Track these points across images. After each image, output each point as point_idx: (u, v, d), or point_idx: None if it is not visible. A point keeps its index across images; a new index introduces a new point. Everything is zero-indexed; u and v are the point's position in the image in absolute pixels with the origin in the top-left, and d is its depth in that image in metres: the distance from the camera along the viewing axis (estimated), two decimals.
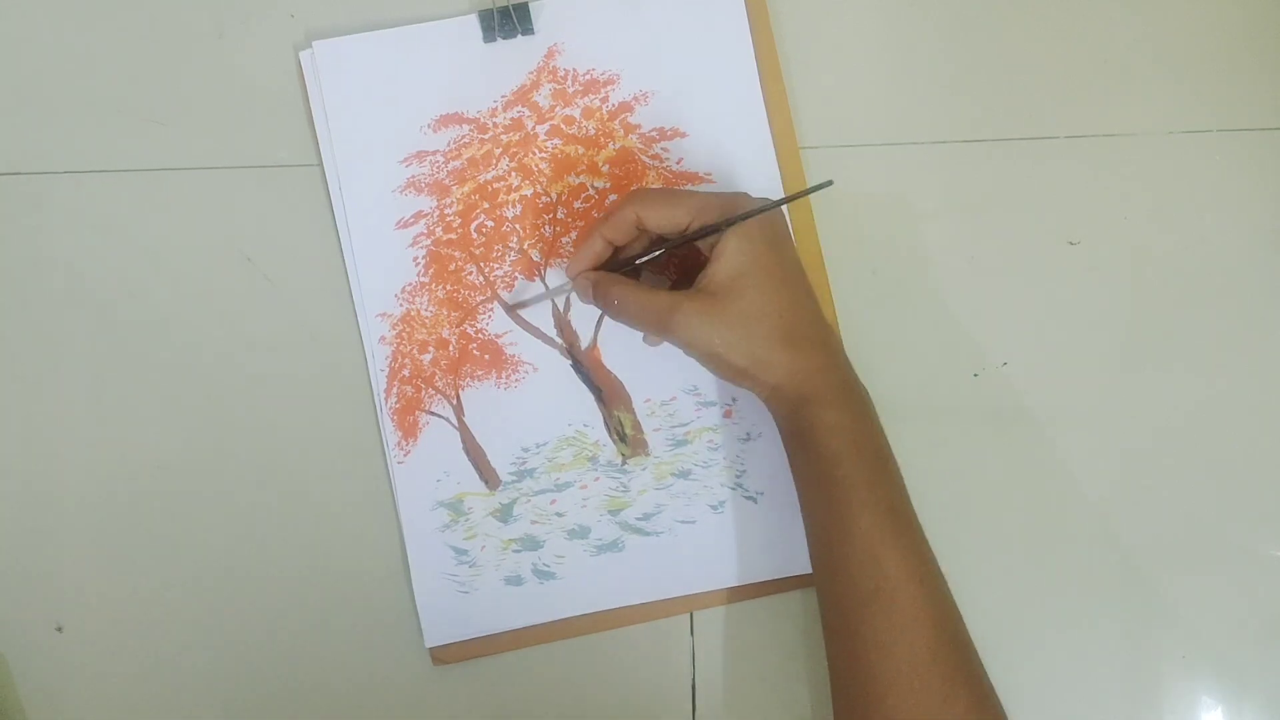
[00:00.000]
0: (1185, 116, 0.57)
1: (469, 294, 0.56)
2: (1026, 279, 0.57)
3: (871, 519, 0.46)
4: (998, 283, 0.57)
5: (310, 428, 0.55)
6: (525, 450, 0.55)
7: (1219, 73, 0.58)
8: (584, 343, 0.56)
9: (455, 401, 0.55)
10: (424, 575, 0.54)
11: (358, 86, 0.56)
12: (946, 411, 0.56)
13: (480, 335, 0.55)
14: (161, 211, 0.56)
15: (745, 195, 0.50)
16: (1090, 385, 0.56)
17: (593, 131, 0.56)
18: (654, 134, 0.56)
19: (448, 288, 0.56)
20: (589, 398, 0.55)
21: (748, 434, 0.55)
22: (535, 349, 0.55)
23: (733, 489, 0.55)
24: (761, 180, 0.56)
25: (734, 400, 0.55)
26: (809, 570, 0.54)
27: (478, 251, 0.56)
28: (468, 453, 0.55)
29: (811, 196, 0.56)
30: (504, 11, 0.56)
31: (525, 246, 0.56)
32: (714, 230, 0.48)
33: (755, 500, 0.55)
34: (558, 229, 0.56)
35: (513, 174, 0.56)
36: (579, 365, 0.55)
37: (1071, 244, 0.57)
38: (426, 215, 0.56)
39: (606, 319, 0.55)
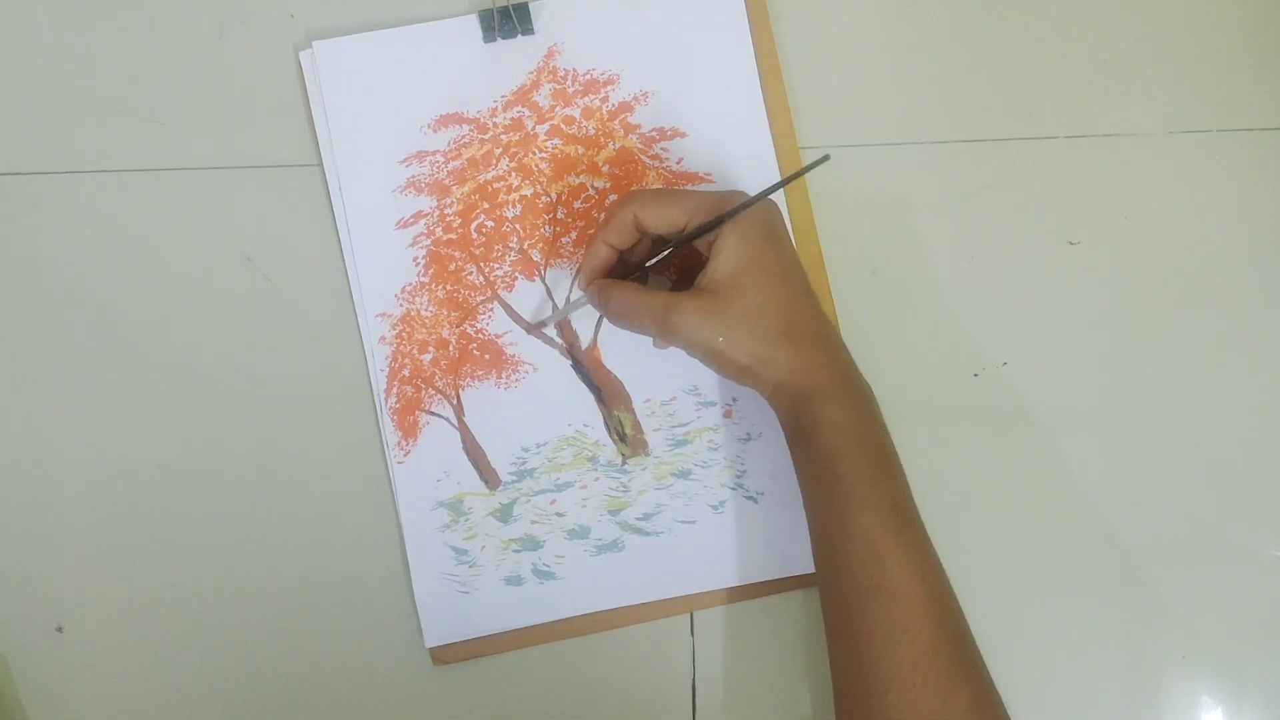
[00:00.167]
0: (1185, 116, 0.57)
1: (469, 294, 0.56)
2: (1026, 279, 0.57)
3: (874, 516, 0.46)
4: (998, 283, 0.57)
5: (310, 428, 0.55)
6: (525, 450, 0.55)
7: (1219, 73, 0.58)
8: (584, 343, 0.56)
9: (455, 401, 0.55)
10: (424, 575, 0.54)
11: (358, 86, 0.56)
12: (946, 411, 0.56)
13: (480, 335, 0.55)
14: (161, 211, 0.56)
15: (742, 193, 0.50)
16: (1090, 385, 0.56)
17: (593, 131, 0.56)
18: (654, 134, 0.56)
19: (448, 288, 0.56)
20: (589, 398, 0.55)
21: (748, 434, 0.55)
22: (535, 349, 0.55)
23: (733, 489, 0.55)
24: (761, 180, 0.56)
25: (734, 400, 0.55)
26: (809, 570, 0.54)
27: (478, 251, 0.56)
28: (468, 453, 0.55)
29: (812, 196, 0.56)
30: (504, 11, 0.56)
31: (525, 246, 0.56)
32: (715, 225, 0.48)
33: (755, 500, 0.55)
34: (558, 229, 0.56)
35: (513, 174, 0.56)
36: (579, 365, 0.55)
37: (1071, 244, 0.57)
38: (426, 215, 0.56)
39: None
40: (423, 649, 0.54)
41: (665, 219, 0.49)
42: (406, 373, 0.55)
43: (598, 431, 0.55)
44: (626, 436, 0.55)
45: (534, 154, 0.56)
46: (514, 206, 0.56)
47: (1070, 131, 0.57)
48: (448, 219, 0.56)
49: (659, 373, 0.55)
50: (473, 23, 0.56)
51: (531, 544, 0.55)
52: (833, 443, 0.47)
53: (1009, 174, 0.57)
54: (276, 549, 0.55)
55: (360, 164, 0.56)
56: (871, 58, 0.58)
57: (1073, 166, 0.57)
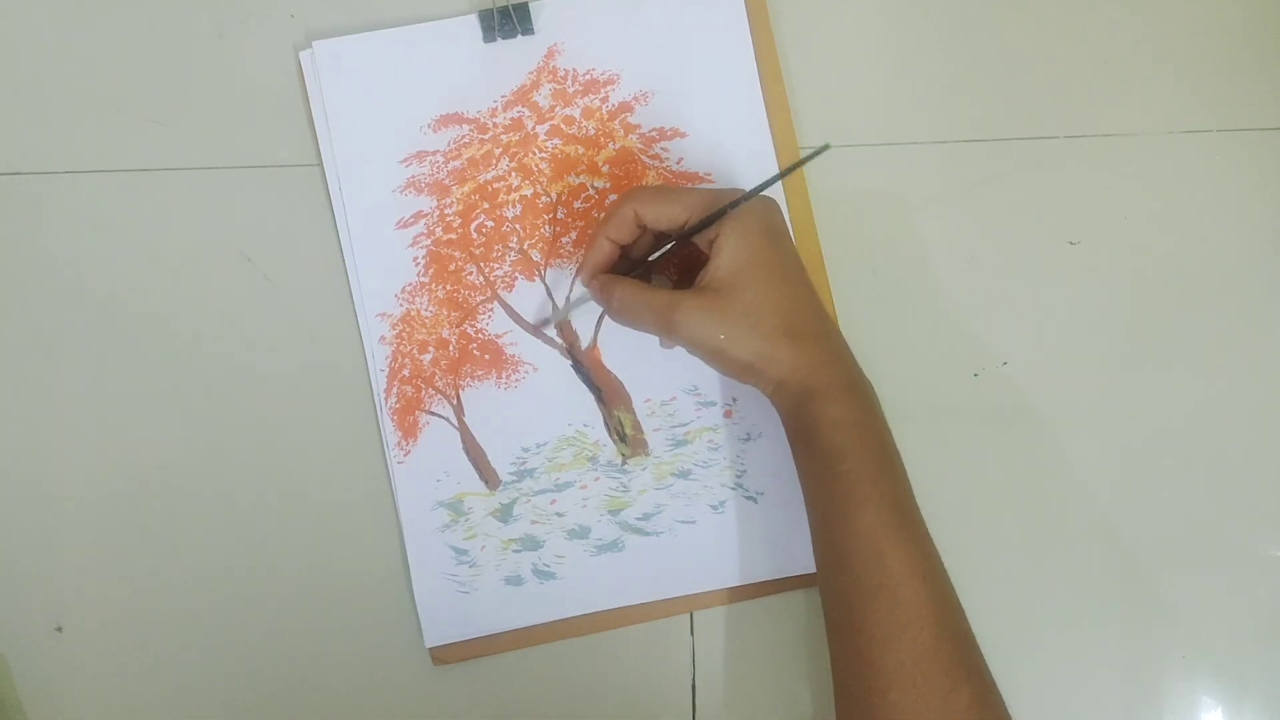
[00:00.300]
0: (1185, 116, 0.57)
1: (469, 294, 0.56)
2: (1026, 279, 0.57)
3: (875, 514, 0.46)
4: (998, 283, 0.57)
5: (310, 428, 0.55)
6: (525, 450, 0.55)
7: (1219, 73, 0.58)
8: (584, 343, 0.56)
9: (455, 401, 0.55)
10: (424, 575, 0.54)
11: (358, 86, 0.56)
12: (946, 411, 0.56)
13: (480, 335, 0.55)
14: (161, 211, 0.56)
15: (742, 191, 0.50)
16: (1090, 385, 0.56)
17: (593, 131, 0.56)
18: (654, 134, 0.56)
19: (448, 288, 0.56)
20: (589, 398, 0.55)
21: (748, 434, 0.55)
22: (535, 349, 0.55)
23: (733, 489, 0.55)
24: (761, 180, 0.56)
25: (734, 400, 0.55)
26: (809, 570, 0.54)
27: (478, 251, 0.56)
28: (468, 453, 0.55)
29: (812, 196, 0.56)
30: (504, 11, 0.56)
31: (525, 246, 0.56)
32: (717, 217, 0.48)
33: (755, 500, 0.55)
34: (558, 229, 0.56)
35: (513, 174, 0.56)
36: (579, 365, 0.55)
37: (1071, 244, 0.57)
38: (426, 215, 0.56)
39: (607, 318, 0.55)
40: (423, 649, 0.54)
41: (666, 215, 0.49)
42: (406, 373, 0.55)
43: (598, 431, 0.55)
44: (626, 436, 0.55)
45: (534, 154, 0.56)
46: (514, 206, 0.56)
47: (1070, 131, 0.57)
48: (448, 219, 0.56)
49: (659, 373, 0.55)
50: (473, 23, 0.56)
51: (531, 544, 0.55)
52: (835, 441, 0.47)
53: (1009, 174, 0.57)
54: (276, 549, 0.55)
55: (360, 164, 0.56)
56: (871, 58, 0.58)
57: (1073, 166, 0.57)
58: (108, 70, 0.57)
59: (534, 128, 0.56)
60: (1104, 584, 0.55)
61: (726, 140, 0.56)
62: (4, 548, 0.54)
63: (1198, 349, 0.56)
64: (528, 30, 0.56)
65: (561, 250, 0.56)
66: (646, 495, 0.55)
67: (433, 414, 0.55)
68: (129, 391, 0.55)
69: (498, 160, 0.56)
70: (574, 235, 0.56)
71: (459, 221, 0.56)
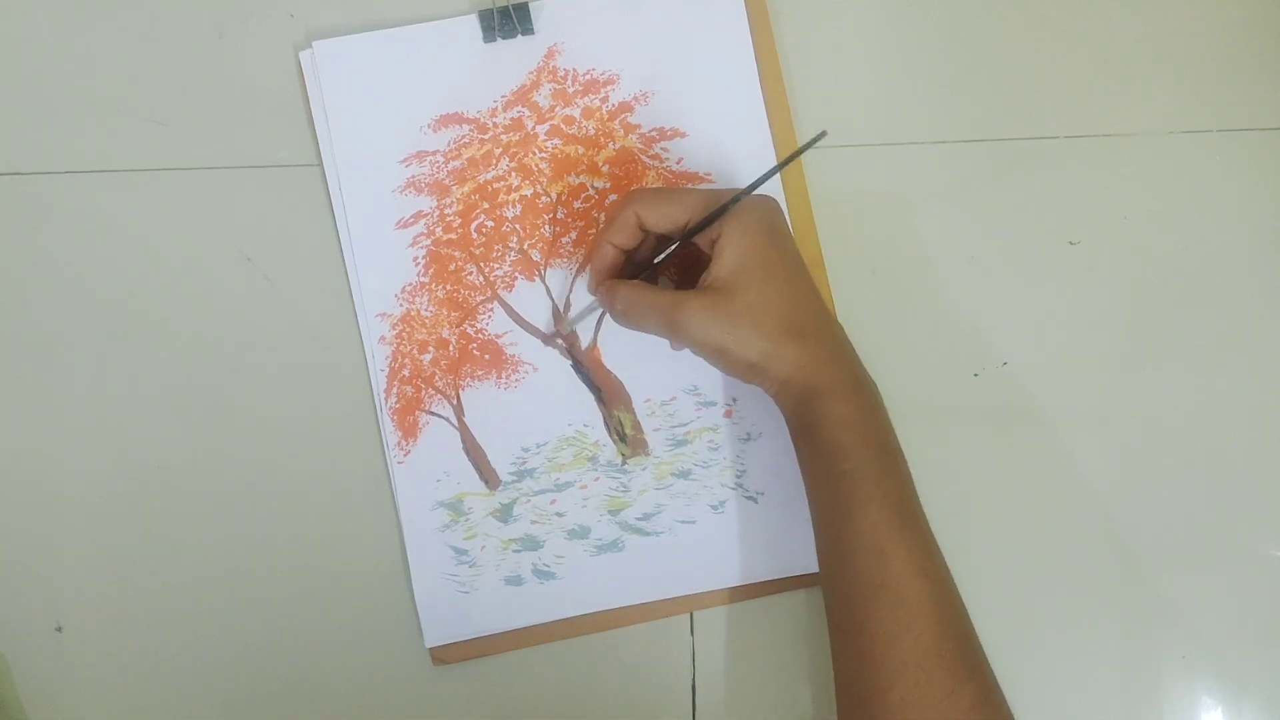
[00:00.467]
0: (1185, 116, 0.57)
1: (469, 294, 0.56)
2: (1026, 279, 0.57)
3: (878, 513, 0.46)
4: (998, 283, 0.57)
5: (310, 428, 0.55)
6: (525, 450, 0.55)
7: (1219, 73, 0.58)
8: (584, 343, 0.56)
9: (455, 401, 0.55)
10: (424, 575, 0.54)
11: (358, 86, 0.56)
12: (947, 411, 0.56)
13: (480, 335, 0.55)
14: (161, 211, 0.56)
15: (740, 199, 0.50)
16: (1090, 385, 0.56)
17: (593, 131, 0.56)
18: (654, 134, 0.56)
19: (448, 288, 0.56)
20: (589, 398, 0.55)
21: (748, 434, 0.55)
22: (535, 349, 0.55)
23: (733, 489, 0.55)
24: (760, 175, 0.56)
25: (734, 400, 0.55)
26: (809, 570, 0.54)
27: (478, 251, 0.56)
28: (468, 453, 0.55)
29: (812, 196, 0.56)
30: (504, 11, 0.56)
31: (525, 246, 0.56)
32: (718, 215, 0.48)
33: (756, 500, 0.55)
34: (558, 229, 0.56)
35: (513, 174, 0.56)
36: (579, 365, 0.55)
37: (1071, 244, 0.57)
38: (426, 215, 0.56)
39: (606, 318, 0.55)
40: (423, 649, 0.54)
41: (667, 217, 0.49)
42: (406, 373, 0.55)
43: (598, 431, 0.55)
44: (626, 436, 0.55)
45: (534, 154, 0.56)
46: (514, 206, 0.56)
47: (1070, 131, 0.57)
48: (448, 219, 0.56)
49: (659, 373, 0.55)
50: (473, 23, 0.56)
51: (531, 544, 0.55)
52: (838, 439, 0.47)
53: (1009, 174, 0.57)
54: (276, 549, 0.55)
55: (360, 164, 0.56)
56: (871, 58, 0.58)
57: (1073, 166, 0.57)
58: (108, 70, 0.57)
59: (534, 128, 0.56)
60: (1104, 584, 0.55)
61: (726, 140, 0.56)
62: (4, 548, 0.54)
63: (1198, 349, 0.56)
64: (528, 30, 0.56)
65: (561, 250, 0.56)
66: (646, 495, 0.55)
67: (433, 414, 0.55)
68: (129, 391, 0.55)
69: (498, 160, 0.56)
70: (574, 235, 0.56)
71: (459, 221, 0.56)
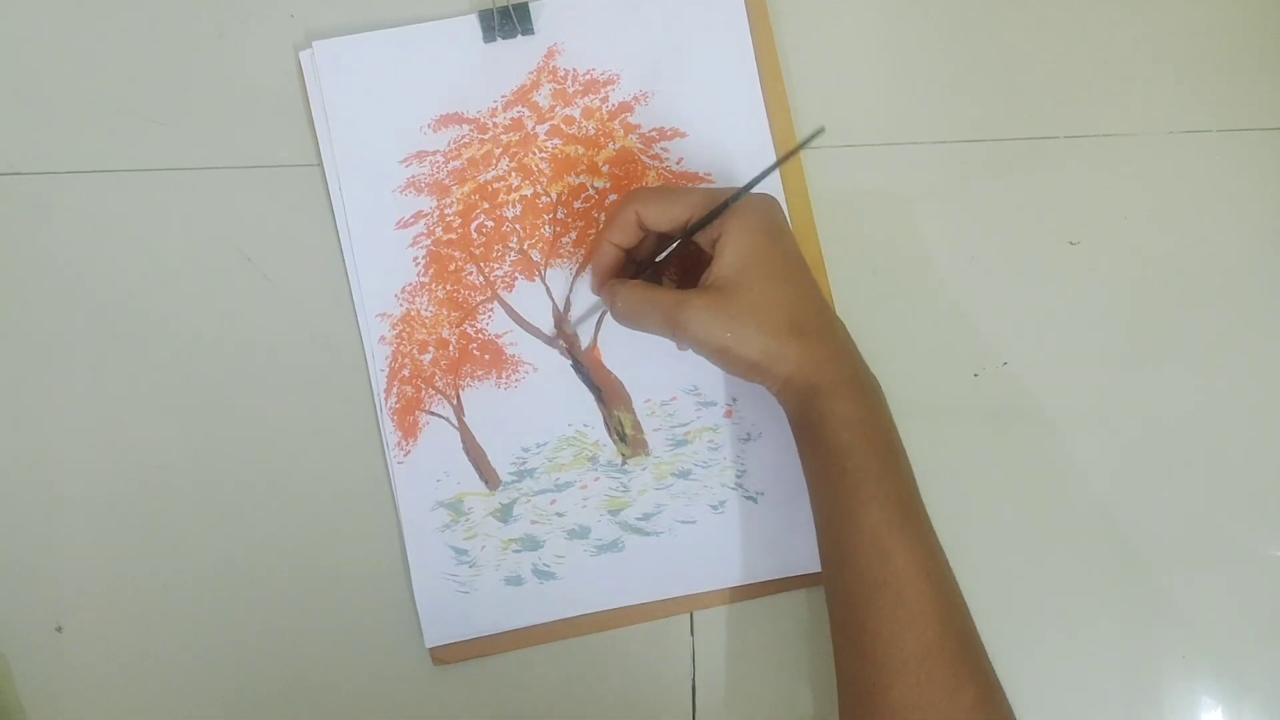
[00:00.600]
0: (1185, 116, 0.57)
1: (469, 294, 0.56)
2: (1026, 279, 0.57)
3: (880, 512, 0.46)
4: (998, 283, 0.57)
5: (310, 428, 0.55)
6: (525, 450, 0.55)
7: (1219, 73, 0.58)
8: (584, 343, 0.56)
9: (455, 401, 0.55)
10: (424, 575, 0.54)
11: (358, 86, 0.56)
12: (947, 411, 0.56)
13: (480, 335, 0.55)
14: (161, 211, 0.56)
15: (741, 196, 0.50)
16: (1090, 385, 0.56)
17: (593, 131, 0.56)
18: (654, 134, 0.56)
19: (448, 288, 0.56)
20: (589, 398, 0.55)
21: (748, 434, 0.55)
22: (535, 349, 0.55)
23: (733, 489, 0.55)
24: (759, 171, 0.56)
25: (734, 400, 0.55)
26: (809, 570, 0.54)
27: (478, 251, 0.56)
28: (468, 453, 0.55)
29: (812, 196, 0.56)
30: (504, 11, 0.56)
31: (525, 246, 0.56)
32: (719, 212, 0.48)
33: (756, 500, 0.55)
34: (558, 229, 0.56)
35: (513, 174, 0.56)
36: (579, 365, 0.55)
37: (1071, 244, 0.57)
38: (426, 215, 0.56)
39: (607, 318, 0.55)
40: (423, 649, 0.54)
41: (667, 216, 0.49)
42: (406, 373, 0.55)
43: (598, 431, 0.55)
44: (626, 436, 0.55)
45: (534, 154, 0.56)
46: (514, 206, 0.56)
47: (1070, 131, 0.57)
48: (448, 219, 0.56)
49: (659, 373, 0.55)
50: (473, 23, 0.56)
51: (531, 544, 0.55)
52: (841, 438, 0.47)
53: (1009, 174, 0.57)
54: (276, 549, 0.55)
55: (360, 164, 0.56)
56: (871, 58, 0.58)
57: (1073, 166, 0.57)
58: (108, 70, 0.57)
59: (534, 128, 0.56)
60: (1104, 584, 0.55)
61: (726, 140, 0.56)
62: (4, 548, 0.54)
63: (1198, 349, 0.56)
64: (528, 30, 0.56)
65: (561, 250, 0.56)
66: (646, 495, 0.55)
67: (433, 414, 0.55)
68: (129, 391, 0.55)
69: (498, 160, 0.56)
70: (574, 235, 0.56)
71: (459, 221, 0.56)
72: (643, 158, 0.56)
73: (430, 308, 0.55)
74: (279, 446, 0.55)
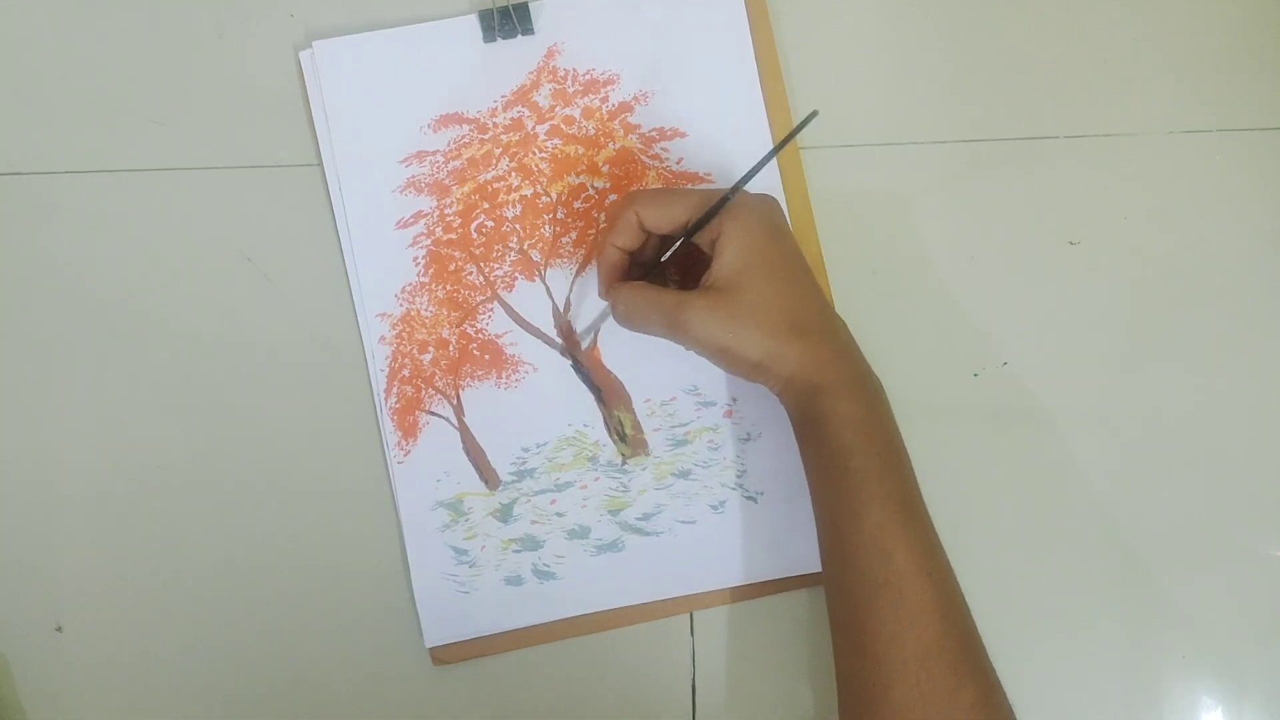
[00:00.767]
0: (1185, 116, 0.57)
1: (469, 294, 0.56)
2: (1026, 279, 0.57)
3: (882, 511, 0.46)
4: (998, 283, 0.57)
5: (310, 428, 0.55)
6: (525, 450, 0.55)
7: (1219, 73, 0.58)
8: (584, 343, 0.56)
9: (455, 401, 0.55)
10: (424, 575, 0.54)
11: (358, 86, 0.56)
12: (946, 411, 0.56)
13: (480, 335, 0.55)
14: (161, 211, 0.56)
15: (742, 189, 0.50)
16: (1090, 385, 0.56)
17: (593, 131, 0.56)
18: (654, 134, 0.56)
19: (448, 288, 0.56)
20: (589, 398, 0.55)
21: (748, 434, 0.55)
22: (535, 349, 0.55)
23: (733, 489, 0.55)
24: (761, 179, 0.55)
25: (734, 400, 0.55)
26: (809, 570, 0.54)
27: (478, 251, 0.56)
28: (468, 453, 0.55)
29: (812, 196, 0.56)
30: (504, 11, 0.56)
31: (525, 246, 0.56)
32: (718, 209, 0.48)
33: (755, 500, 0.55)
34: (558, 229, 0.56)
35: (513, 174, 0.56)
36: (579, 365, 0.55)
37: (1071, 244, 0.57)
38: (426, 215, 0.56)
39: (607, 318, 0.55)
40: (423, 649, 0.54)
41: (667, 217, 0.50)
42: (406, 373, 0.55)
43: (598, 431, 0.55)
44: (626, 436, 0.55)
45: (534, 154, 0.56)
46: (514, 206, 0.56)
47: (1070, 131, 0.57)
48: (448, 219, 0.56)
49: (659, 373, 0.55)
50: (473, 23, 0.56)
51: (531, 544, 0.55)
52: (843, 438, 0.47)
53: (1009, 174, 0.57)
54: (276, 549, 0.55)
55: (360, 164, 0.56)
56: (871, 58, 0.58)
57: (1073, 166, 0.57)
58: (108, 70, 0.57)
59: (534, 128, 0.56)
60: (1104, 584, 0.55)
61: (726, 140, 0.56)
62: (4, 548, 0.54)
63: (1198, 349, 0.56)
64: (528, 30, 0.56)
65: (561, 250, 0.56)
66: (646, 495, 0.55)
67: (433, 414, 0.55)
68: (129, 391, 0.55)
69: (498, 160, 0.56)
70: (574, 235, 0.56)
71: (459, 221, 0.56)
72: (643, 158, 0.56)
73: (430, 308, 0.55)
74: (279, 446, 0.55)
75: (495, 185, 0.56)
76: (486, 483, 0.55)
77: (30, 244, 0.56)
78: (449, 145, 0.56)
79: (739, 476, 0.55)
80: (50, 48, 0.57)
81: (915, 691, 0.44)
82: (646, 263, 0.53)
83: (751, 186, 0.51)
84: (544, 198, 0.56)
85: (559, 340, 0.56)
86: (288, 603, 0.54)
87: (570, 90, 0.57)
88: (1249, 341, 0.56)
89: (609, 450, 0.55)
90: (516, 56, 0.57)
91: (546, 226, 0.56)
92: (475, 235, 0.56)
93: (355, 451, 0.55)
